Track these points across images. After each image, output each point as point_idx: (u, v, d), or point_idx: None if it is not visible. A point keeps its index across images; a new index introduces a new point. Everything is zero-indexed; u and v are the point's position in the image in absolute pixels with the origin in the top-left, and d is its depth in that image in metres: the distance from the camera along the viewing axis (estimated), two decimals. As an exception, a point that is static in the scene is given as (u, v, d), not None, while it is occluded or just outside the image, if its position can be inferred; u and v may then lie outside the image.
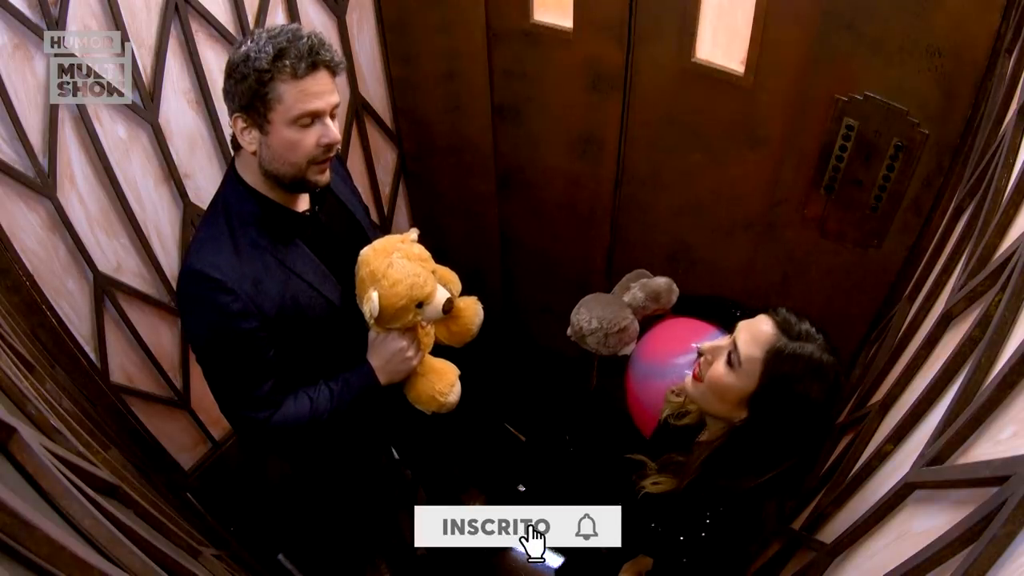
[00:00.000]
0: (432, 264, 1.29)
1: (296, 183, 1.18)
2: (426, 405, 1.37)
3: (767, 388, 0.98)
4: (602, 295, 1.65)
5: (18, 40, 1.31)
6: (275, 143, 1.12)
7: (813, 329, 0.99)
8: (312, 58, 1.08)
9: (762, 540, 1.30)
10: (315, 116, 1.12)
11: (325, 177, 1.19)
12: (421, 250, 1.29)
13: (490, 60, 1.92)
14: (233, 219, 1.17)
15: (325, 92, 1.11)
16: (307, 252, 1.24)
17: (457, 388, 1.39)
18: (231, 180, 1.20)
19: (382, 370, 1.31)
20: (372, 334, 1.33)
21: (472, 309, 1.44)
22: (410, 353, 1.31)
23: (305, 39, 1.08)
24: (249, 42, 1.09)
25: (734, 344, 1.01)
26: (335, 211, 1.34)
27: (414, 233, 1.31)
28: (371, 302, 1.20)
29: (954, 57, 1.26)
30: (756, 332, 0.99)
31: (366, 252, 1.25)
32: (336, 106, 1.15)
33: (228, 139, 1.26)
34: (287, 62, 1.06)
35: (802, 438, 1.01)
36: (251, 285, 1.15)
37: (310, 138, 1.13)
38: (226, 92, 1.13)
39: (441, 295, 1.27)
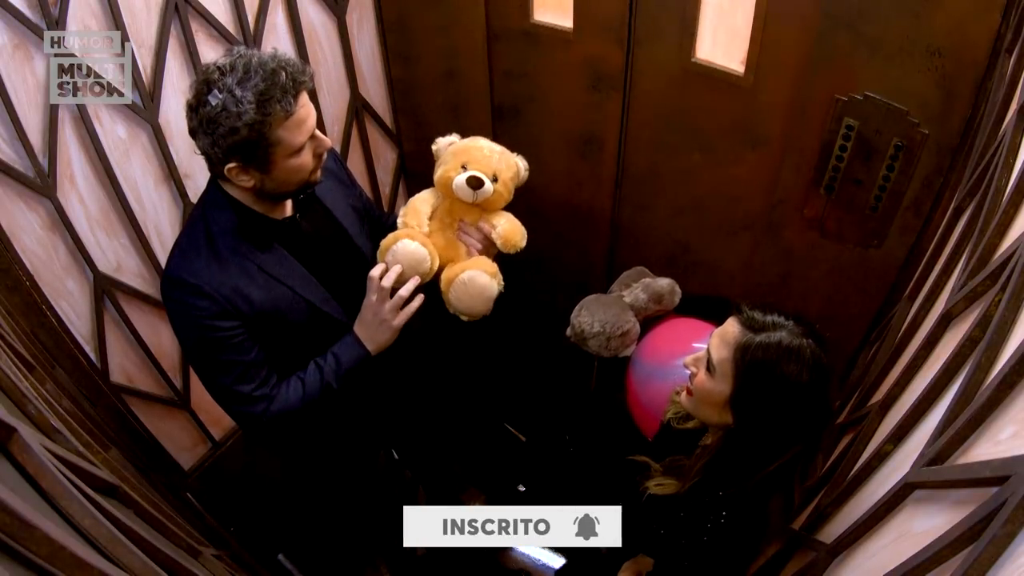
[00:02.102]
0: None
1: (298, 191, 1.20)
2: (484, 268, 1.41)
3: (744, 384, 1.00)
4: (603, 296, 1.65)
5: (18, 40, 1.31)
6: (279, 175, 1.13)
7: (781, 318, 1.00)
8: (296, 89, 1.06)
9: (768, 537, 1.31)
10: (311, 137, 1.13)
11: (320, 172, 1.21)
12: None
13: (490, 60, 1.92)
14: (212, 226, 1.17)
15: (311, 112, 1.12)
16: (288, 257, 1.24)
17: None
18: (211, 189, 1.21)
19: (363, 331, 1.28)
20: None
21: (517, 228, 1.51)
22: (384, 309, 1.26)
23: (283, 74, 1.04)
24: (219, 92, 1.02)
25: (708, 351, 1.05)
26: (320, 219, 1.32)
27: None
28: (442, 138, 1.44)
29: (954, 57, 1.26)
30: (724, 335, 1.03)
31: None
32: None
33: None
34: (278, 106, 1.04)
35: (797, 423, 1.01)
36: (229, 289, 1.15)
37: (308, 156, 1.14)
38: (207, 146, 1.07)
39: (477, 173, 1.34)
